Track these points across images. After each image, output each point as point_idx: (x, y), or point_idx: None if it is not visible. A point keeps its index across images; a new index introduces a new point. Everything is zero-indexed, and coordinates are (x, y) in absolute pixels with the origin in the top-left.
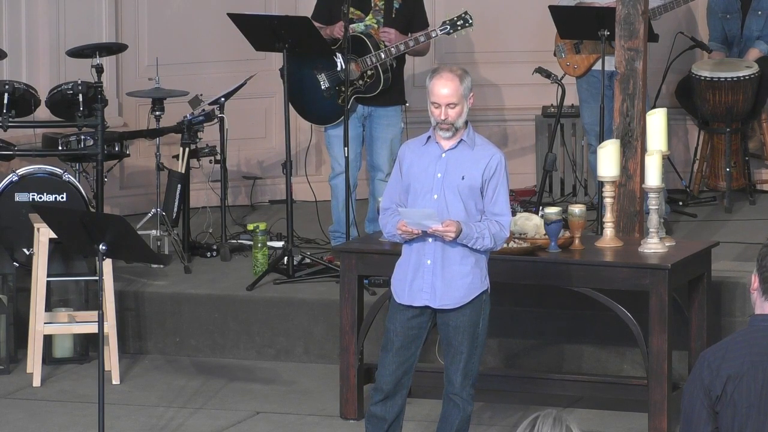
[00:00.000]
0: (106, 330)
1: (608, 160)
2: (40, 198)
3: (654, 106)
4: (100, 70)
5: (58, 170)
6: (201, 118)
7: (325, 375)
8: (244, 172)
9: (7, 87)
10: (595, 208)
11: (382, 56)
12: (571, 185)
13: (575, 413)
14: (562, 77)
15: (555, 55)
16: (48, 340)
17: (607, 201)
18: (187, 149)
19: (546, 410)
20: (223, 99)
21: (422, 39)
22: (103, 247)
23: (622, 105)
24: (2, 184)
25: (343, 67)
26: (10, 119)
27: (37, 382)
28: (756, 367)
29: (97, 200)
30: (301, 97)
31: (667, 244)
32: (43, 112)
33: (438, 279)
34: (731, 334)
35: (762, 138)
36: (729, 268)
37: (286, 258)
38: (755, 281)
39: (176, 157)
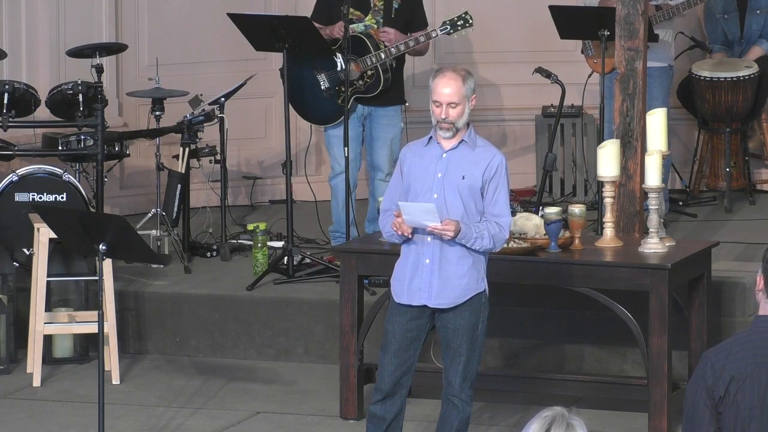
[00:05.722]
0: (106, 330)
1: (608, 160)
2: (40, 198)
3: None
4: (100, 70)
5: (58, 170)
6: (201, 118)
7: (325, 375)
8: (244, 172)
9: (7, 87)
10: (595, 207)
11: (382, 56)
12: (571, 185)
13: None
14: (557, 78)
15: (583, 52)
16: (48, 340)
17: (607, 201)
18: (187, 149)
19: (555, 410)
20: (223, 99)
21: (422, 39)
22: (103, 247)
23: (622, 105)
24: (2, 184)
25: (343, 67)
26: (10, 119)
27: (37, 382)
28: (759, 368)
29: (97, 200)
30: (301, 97)
31: (667, 244)
32: (43, 112)
33: (435, 277)
34: (732, 334)
35: (762, 138)
36: (729, 268)
37: (286, 258)
38: (760, 282)
39: (176, 157)
